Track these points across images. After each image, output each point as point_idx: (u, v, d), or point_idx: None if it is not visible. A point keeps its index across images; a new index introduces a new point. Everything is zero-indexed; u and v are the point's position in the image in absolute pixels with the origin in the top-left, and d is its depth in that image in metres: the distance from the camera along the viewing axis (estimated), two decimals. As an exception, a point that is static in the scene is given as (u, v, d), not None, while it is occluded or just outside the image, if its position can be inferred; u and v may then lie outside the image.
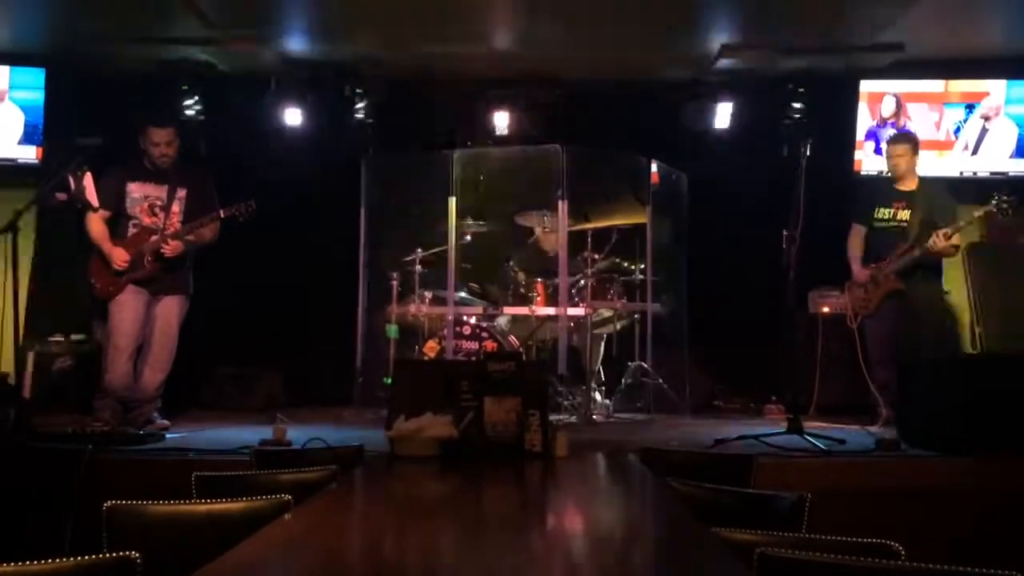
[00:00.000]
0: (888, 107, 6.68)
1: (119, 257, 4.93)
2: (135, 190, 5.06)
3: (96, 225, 4.97)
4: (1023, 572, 1.55)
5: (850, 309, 5.56)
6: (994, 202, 5.13)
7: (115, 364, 4.93)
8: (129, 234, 5.03)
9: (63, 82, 6.56)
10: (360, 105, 6.73)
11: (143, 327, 5.03)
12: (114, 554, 1.64)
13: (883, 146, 6.08)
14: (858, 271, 5.53)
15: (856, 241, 5.60)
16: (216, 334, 6.51)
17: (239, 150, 6.75)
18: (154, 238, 5.00)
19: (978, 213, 5.30)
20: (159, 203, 5.08)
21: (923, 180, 5.61)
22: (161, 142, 5.05)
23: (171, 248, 5.00)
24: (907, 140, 5.65)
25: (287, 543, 1.85)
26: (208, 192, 5.22)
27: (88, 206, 4.85)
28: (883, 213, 5.50)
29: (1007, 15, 5.94)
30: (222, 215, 5.09)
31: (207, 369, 6.46)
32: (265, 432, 4.24)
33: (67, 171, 4.83)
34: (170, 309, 5.11)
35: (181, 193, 5.13)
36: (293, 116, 6.78)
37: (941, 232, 5.18)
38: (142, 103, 6.24)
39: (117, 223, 5.03)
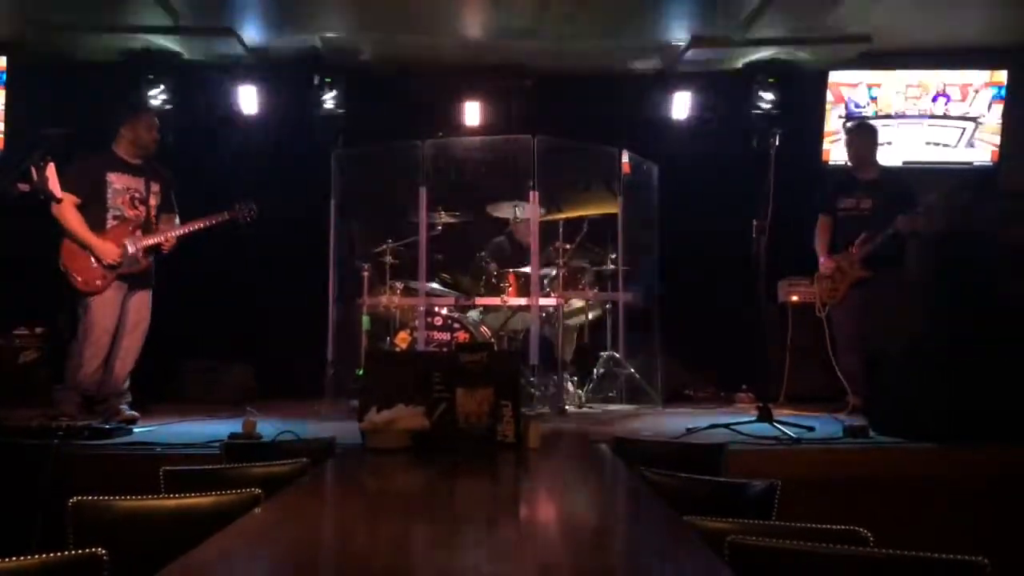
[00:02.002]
0: (862, 97, 6.74)
1: (111, 253, 4.83)
2: (116, 181, 4.94)
3: (74, 215, 4.81)
4: (991, 558, 1.57)
5: (818, 299, 5.61)
6: (948, 192, 5.21)
7: (93, 360, 4.84)
8: (109, 226, 4.90)
9: (25, 71, 6.44)
10: (329, 95, 6.68)
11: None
12: (80, 551, 1.62)
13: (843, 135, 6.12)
14: (824, 262, 5.58)
15: (822, 232, 5.64)
16: (185, 327, 6.44)
17: (206, 141, 6.67)
18: (139, 233, 4.93)
19: (936, 200, 5.33)
20: (138, 195, 5.00)
21: (884, 169, 5.68)
22: (154, 128, 5.04)
23: (170, 244, 4.97)
24: (865, 129, 5.70)
25: (257, 538, 1.84)
26: (171, 187, 5.18)
27: (51, 197, 4.76)
28: (846, 203, 5.55)
29: (972, 8, 6.01)
30: (227, 216, 5.07)
31: (176, 362, 6.39)
32: (235, 425, 4.20)
33: (30, 162, 4.74)
34: (143, 303, 5.05)
35: (155, 187, 5.07)
36: (261, 106, 6.71)
37: (911, 215, 5.22)
38: (106, 93, 6.14)
39: (92, 213, 4.87)
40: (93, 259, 4.84)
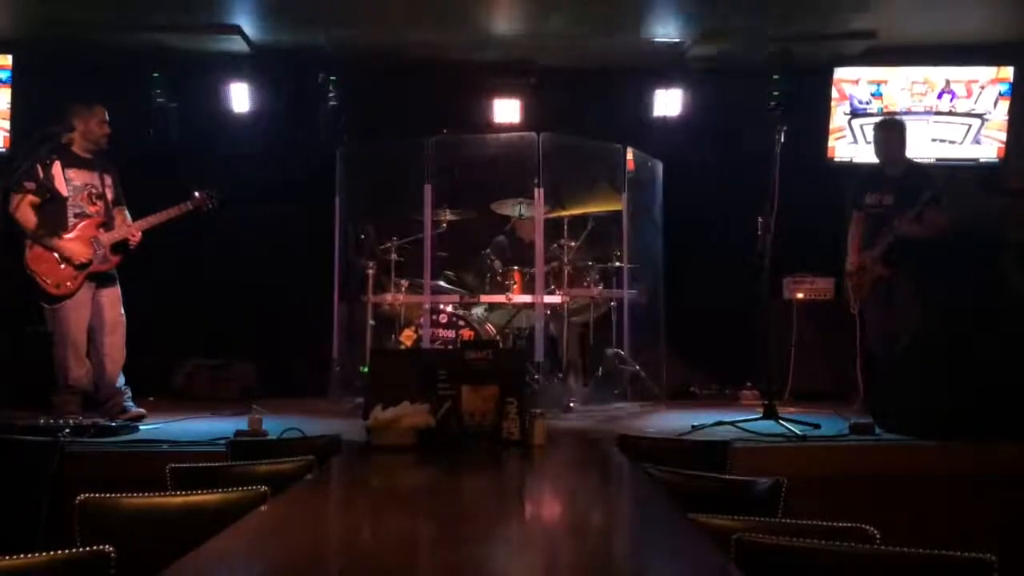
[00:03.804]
0: (865, 93, 6.73)
1: (81, 252, 4.76)
2: (75, 177, 4.84)
3: (35, 216, 4.69)
4: (996, 554, 1.57)
5: (851, 296, 5.60)
6: (930, 193, 5.10)
7: (78, 363, 4.80)
8: (71, 224, 4.81)
9: (30, 69, 6.45)
10: (334, 92, 6.67)
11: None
12: (88, 548, 1.63)
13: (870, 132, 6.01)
14: (851, 259, 5.56)
15: (854, 227, 5.59)
16: (190, 324, 6.46)
17: (210, 138, 6.68)
18: (102, 230, 4.87)
19: (927, 200, 5.21)
20: (95, 191, 4.91)
21: (911, 164, 5.58)
22: (106, 122, 4.93)
23: (136, 240, 4.93)
24: (893, 125, 5.62)
25: (263, 535, 1.84)
26: (120, 180, 5.11)
27: (57, 195, 4.77)
28: (872, 199, 5.50)
29: (977, 4, 5.99)
30: (190, 206, 5.03)
31: (181, 360, 6.39)
32: (240, 423, 4.21)
33: (36, 160, 4.74)
34: (115, 298, 4.97)
35: (108, 180, 4.98)
36: (266, 104, 6.70)
37: (907, 216, 5.15)
38: (111, 91, 6.14)
39: (55, 212, 4.76)
40: (61, 260, 4.74)
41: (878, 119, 6.13)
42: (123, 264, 5.05)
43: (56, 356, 4.84)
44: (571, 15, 6.04)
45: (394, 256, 5.77)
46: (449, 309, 5.71)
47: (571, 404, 5.43)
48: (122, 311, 5.01)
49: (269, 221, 6.47)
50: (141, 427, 4.55)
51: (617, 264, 5.94)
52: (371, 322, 5.84)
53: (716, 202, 6.29)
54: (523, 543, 1.87)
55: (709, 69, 6.82)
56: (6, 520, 3.25)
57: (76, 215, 4.85)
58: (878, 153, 5.58)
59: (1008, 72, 6.61)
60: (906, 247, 5.27)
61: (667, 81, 6.85)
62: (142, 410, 4.94)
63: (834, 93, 6.72)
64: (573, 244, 5.74)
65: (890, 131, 5.57)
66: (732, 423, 4.36)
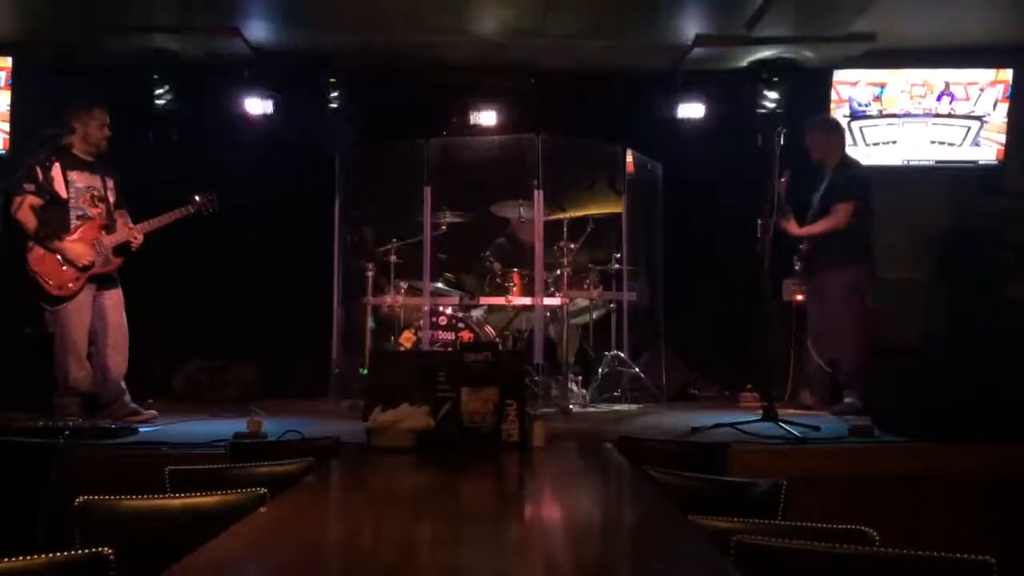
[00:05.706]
0: (863, 95, 6.73)
1: (84, 254, 4.77)
2: (77, 179, 4.85)
3: (35, 219, 4.69)
4: (995, 556, 1.57)
5: None
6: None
7: (79, 365, 4.80)
8: (73, 226, 4.82)
9: (31, 71, 6.45)
10: (335, 95, 6.68)
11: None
12: (87, 550, 1.62)
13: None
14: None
15: None
16: (189, 326, 6.46)
17: (212, 141, 6.68)
18: (104, 232, 4.87)
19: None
20: (97, 193, 4.92)
21: (843, 164, 5.52)
22: (106, 125, 4.93)
23: (138, 242, 4.93)
24: (820, 126, 5.66)
25: (263, 537, 1.84)
26: (121, 183, 5.11)
27: (57, 197, 4.77)
28: (814, 199, 5.50)
29: (977, 6, 5.99)
30: (190, 210, 5.03)
31: (180, 361, 6.39)
32: (240, 425, 4.19)
33: (35, 161, 4.74)
34: (117, 301, 4.98)
35: (110, 183, 4.99)
36: (266, 107, 6.71)
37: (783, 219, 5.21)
38: (111, 93, 6.14)
39: (56, 214, 4.75)
40: (63, 262, 4.74)
41: (875, 120, 6.15)
42: (123, 266, 5.05)
43: (56, 358, 4.83)
44: (571, 18, 6.04)
45: (393, 258, 5.78)
46: (448, 311, 5.72)
47: (571, 406, 5.42)
48: (124, 315, 5.02)
49: (269, 223, 6.47)
50: (141, 429, 4.53)
51: (617, 266, 5.95)
52: (370, 324, 5.84)
53: (716, 204, 6.29)
54: (523, 545, 1.87)
55: (709, 71, 6.82)
56: (6, 522, 3.25)
57: (78, 217, 4.86)
58: (811, 152, 5.55)
59: (1007, 74, 6.62)
60: (816, 247, 5.32)
61: (668, 83, 6.85)
62: (153, 411, 4.94)
63: (834, 95, 6.73)
64: (573, 246, 5.74)
65: (816, 132, 5.57)
66: (732, 425, 4.35)
